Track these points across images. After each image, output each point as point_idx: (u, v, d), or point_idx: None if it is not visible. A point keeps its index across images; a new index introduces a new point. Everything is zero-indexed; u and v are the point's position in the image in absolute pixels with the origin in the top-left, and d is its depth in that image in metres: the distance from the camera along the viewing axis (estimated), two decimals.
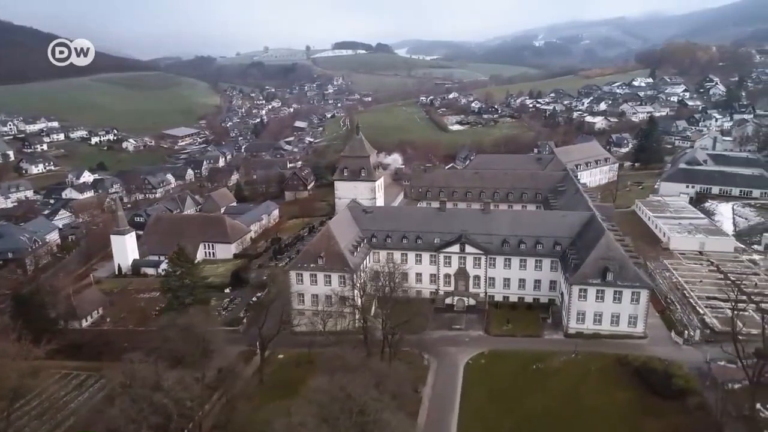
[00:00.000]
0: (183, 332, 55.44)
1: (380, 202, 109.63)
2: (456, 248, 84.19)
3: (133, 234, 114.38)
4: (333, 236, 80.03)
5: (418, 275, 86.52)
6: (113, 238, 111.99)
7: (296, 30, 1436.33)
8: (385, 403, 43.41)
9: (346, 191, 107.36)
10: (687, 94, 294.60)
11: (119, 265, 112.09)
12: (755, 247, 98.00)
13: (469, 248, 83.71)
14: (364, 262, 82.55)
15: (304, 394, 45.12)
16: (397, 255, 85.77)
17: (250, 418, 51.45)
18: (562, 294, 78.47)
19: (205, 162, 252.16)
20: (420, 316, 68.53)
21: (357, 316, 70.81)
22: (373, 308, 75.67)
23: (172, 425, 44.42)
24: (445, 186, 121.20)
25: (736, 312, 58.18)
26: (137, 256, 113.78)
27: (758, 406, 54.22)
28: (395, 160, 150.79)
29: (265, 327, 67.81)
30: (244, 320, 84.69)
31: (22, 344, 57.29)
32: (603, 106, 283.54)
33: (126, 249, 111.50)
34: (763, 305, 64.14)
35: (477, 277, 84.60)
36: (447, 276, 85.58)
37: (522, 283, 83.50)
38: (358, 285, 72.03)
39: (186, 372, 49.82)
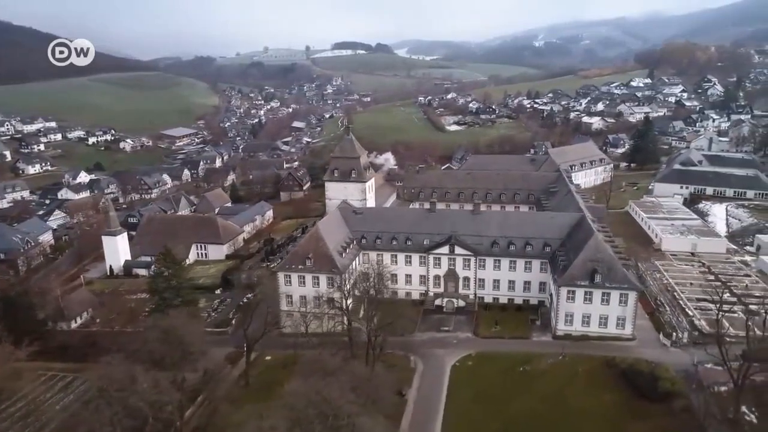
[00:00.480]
0: (163, 334, 55.09)
1: (371, 203, 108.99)
2: (446, 249, 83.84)
3: (125, 235, 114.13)
4: (321, 237, 79.61)
5: (408, 276, 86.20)
6: (104, 239, 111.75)
7: (296, 30, 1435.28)
8: (364, 406, 43.03)
9: (336, 192, 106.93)
10: (685, 95, 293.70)
11: (111, 266, 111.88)
12: (747, 248, 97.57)
13: (458, 249, 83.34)
14: (354, 263, 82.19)
15: (280, 397, 44.74)
16: (386, 256, 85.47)
17: (230, 422, 51.03)
18: (551, 295, 78.08)
19: (201, 162, 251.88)
20: (405, 318, 68.05)
21: (344, 318, 70.39)
22: (362, 310, 75.28)
23: (147, 428, 44.15)
24: (438, 187, 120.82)
25: (721, 314, 57.78)
26: (129, 257, 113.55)
27: (743, 409, 53.85)
28: (387, 160, 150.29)
29: (251, 329, 67.44)
30: (233, 322, 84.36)
31: (3, 346, 56.93)
32: (600, 106, 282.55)
33: (117, 250, 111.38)
34: (751, 307, 63.77)
35: (467, 279, 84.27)
36: (437, 277, 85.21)
37: (512, 284, 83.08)
38: (345, 287, 71.57)
39: (163, 375, 49.42)
